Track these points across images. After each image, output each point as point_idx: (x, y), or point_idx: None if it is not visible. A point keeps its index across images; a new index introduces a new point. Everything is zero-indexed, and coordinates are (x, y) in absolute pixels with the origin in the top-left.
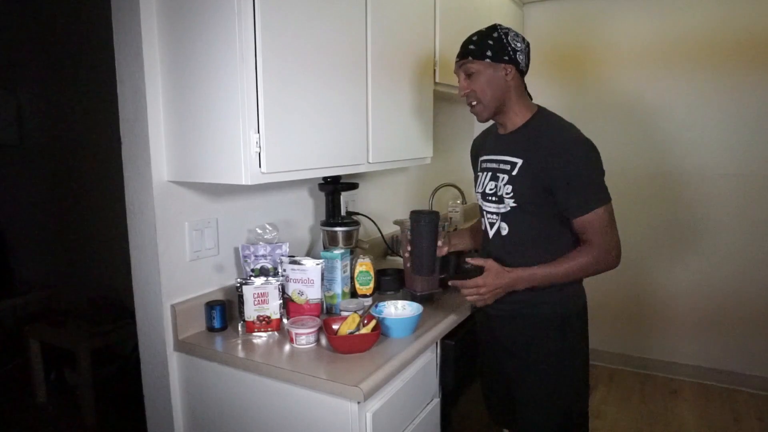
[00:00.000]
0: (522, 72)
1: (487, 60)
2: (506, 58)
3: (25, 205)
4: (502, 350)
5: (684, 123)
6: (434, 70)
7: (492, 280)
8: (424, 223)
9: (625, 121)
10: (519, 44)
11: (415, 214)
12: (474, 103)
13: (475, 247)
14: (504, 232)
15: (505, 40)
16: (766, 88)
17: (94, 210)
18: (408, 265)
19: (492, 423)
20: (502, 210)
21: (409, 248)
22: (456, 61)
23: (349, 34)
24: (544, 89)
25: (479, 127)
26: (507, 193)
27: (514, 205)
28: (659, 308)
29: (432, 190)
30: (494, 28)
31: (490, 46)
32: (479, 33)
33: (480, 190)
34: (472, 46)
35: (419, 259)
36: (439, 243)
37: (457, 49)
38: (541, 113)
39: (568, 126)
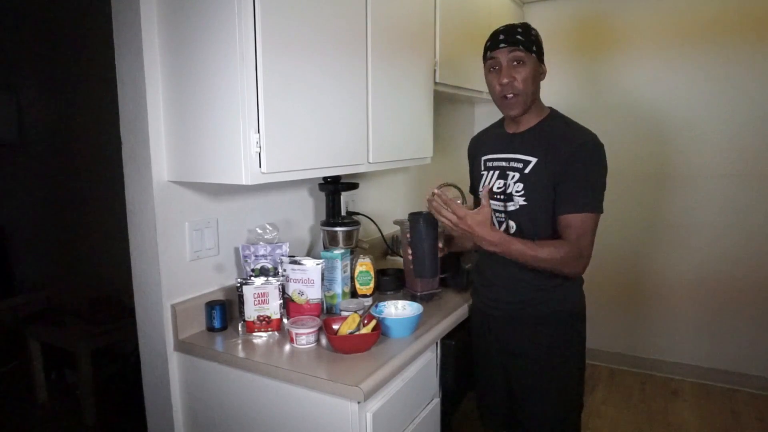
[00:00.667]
0: None
1: (534, 54)
2: (543, 57)
3: (25, 205)
4: (504, 351)
5: (684, 122)
6: (434, 70)
7: (472, 222)
8: (424, 224)
9: (626, 119)
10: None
11: (414, 216)
12: (512, 94)
13: (474, 247)
14: (512, 231)
15: (541, 40)
16: None
17: (94, 210)
18: (410, 267)
19: (486, 428)
20: (510, 208)
21: (409, 251)
22: (500, 48)
23: (350, 34)
24: (545, 89)
25: (479, 127)
26: (517, 191)
27: (524, 203)
28: (659, 308)
29: (433, 190)
30: (529, 25)
31: (535, 42)
32: (522, 25)
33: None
34: (520, 37)
35: (421, 262)
36: (440, 244)
37: (456, 49)
38: (556, 114)
39: (585, 128)
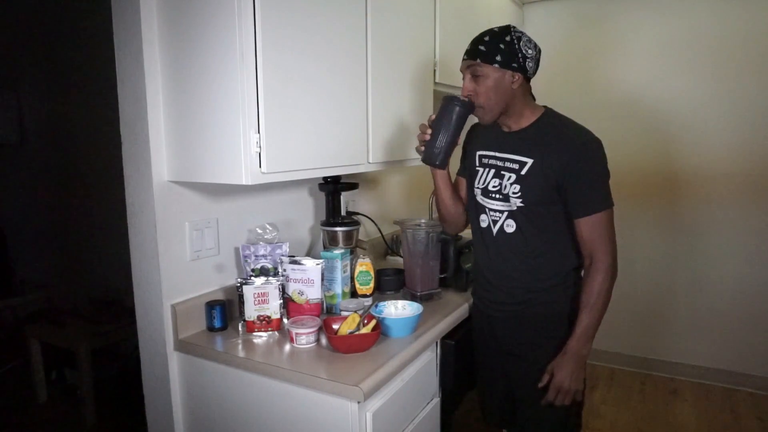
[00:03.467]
0: (528, 78)
1: (496, 65)
2: (515, 65)
3: (25, 205)
4: (503, 351)
5: (686, 122)
6: (434, 70)
7: (561, 375)
8: (461, 109)
9: (627, 120)
10: (530, 51)
11: (450, 97)
12: (477, 105)
13: (450, 195)
14: (510, 230)
15: (516, 46)
16: None
17: (94, 210)
18: (422, 148)
19: (488, 426)
20: (509, 208)
21: (429, 131)
22: (463, 59)
23: (350, 35)
24: (544, 89)
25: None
26: (514, 193)
27: (521, 204)
28: (659, 308)
29: (432, 190)
30: (507, 30)
31: (501, 51)
32: (491, 33)
33: (481, 186)
34: (482, 47)
35: (438, 147)
36: (460, 140)
37: (456, 49)
38: (550, 114)
39: (580, 126)
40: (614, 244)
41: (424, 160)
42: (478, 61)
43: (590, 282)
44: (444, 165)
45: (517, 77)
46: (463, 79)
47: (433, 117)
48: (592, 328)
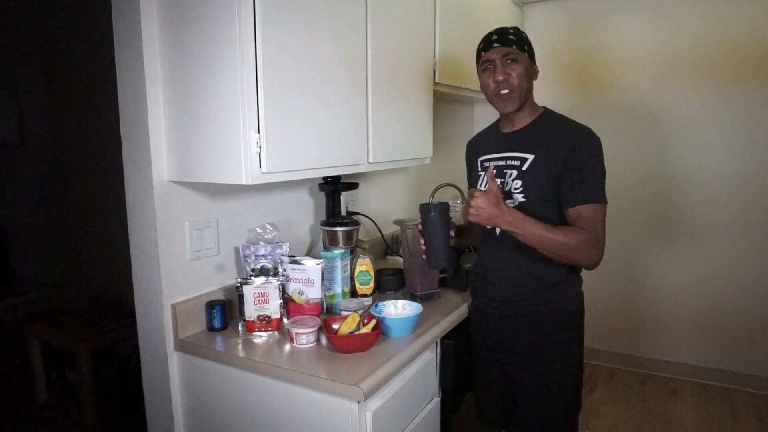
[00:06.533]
0: None
1: (526, 54)
2: (534, 58)
3: (25, 205)
4: (503, 350)
5: (684, 123)
6: (434, 70)
7: (485, 203)
8: (435, 214)
9: (625, 121)
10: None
11: (425, 206)
12: (507, 90)
13: (472, 243)
14: None
15: (530, 43)
16: (766, 90)
17: (95, 210)
18: (423, 257)
19: (485, 426)
20: (512, 205)
21: (422, 242)
22: (494, 47)
23: (350, 35)
24: (544, 89)
25: (479, 127)
26: (516, 188)
27: (523, 200)
28: (659, 308)
29: (432, 190)
30: (520, 28)
31: (527, 42)
32: (512, 28)
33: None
34: (512, 37)
35: (436, 253)
36: (452, 233)
37: (456, 49)
38: (549, 113)
39: (580, 123)
40: (602, 236)
41: (430, 267)
42: (514, 48)
43: (570, 231)
44: (451, 262)
45: (536, 69)
46: (489, 68)
47: (420, 228)
48: (528, 235)
